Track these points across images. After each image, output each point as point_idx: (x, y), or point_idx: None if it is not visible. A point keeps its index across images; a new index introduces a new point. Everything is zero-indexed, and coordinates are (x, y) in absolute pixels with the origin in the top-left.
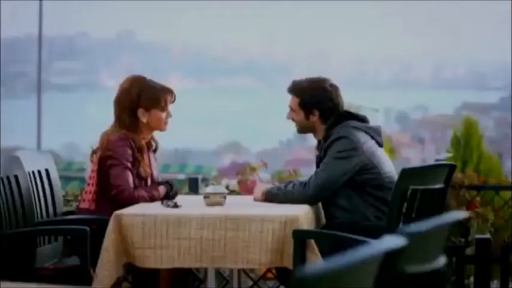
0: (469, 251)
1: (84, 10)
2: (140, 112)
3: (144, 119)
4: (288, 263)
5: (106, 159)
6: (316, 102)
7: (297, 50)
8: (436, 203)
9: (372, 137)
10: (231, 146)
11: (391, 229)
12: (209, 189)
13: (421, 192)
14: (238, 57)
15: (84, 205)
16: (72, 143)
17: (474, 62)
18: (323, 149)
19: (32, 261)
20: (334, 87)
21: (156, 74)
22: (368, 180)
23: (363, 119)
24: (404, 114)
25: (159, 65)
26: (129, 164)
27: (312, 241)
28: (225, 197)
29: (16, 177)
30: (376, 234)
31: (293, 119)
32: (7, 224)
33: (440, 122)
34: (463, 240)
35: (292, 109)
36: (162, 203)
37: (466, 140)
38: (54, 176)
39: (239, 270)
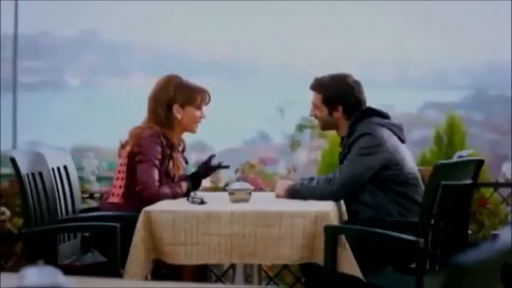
0: None
1: (46, 9)
2: (175, 108)
3: (179, 115)
4: (318, 258)
5: (135, 154)
6: (340, 98)
7: (263, 50)
8: (465, 199)
9: (395, 133)
10: (195, 144)
11: (424, 225)
12: (234, 185)
13: (452, 188)
14: (203, 56)
15: (113, 199)
16: (38, 142)
17: (438, 60)
18: (347, 146)
19: (56, 258)
20: (357, 83)
21: (120, 73)
22: (391, 177)
23: (385, 116)
24: None
25: (123, 64)
26: (157, 162)
27: (343, 237)
28: (250, 194)
29: (40, 174)
30: (402, 229)
31: (316, 116)
32: (33, 221)
33: (404, 120)
34: (480, 235)
35: (315, 106)
36: (188, 199)
37: (449, 138)
38: (73, 173)
39: (259, 266)
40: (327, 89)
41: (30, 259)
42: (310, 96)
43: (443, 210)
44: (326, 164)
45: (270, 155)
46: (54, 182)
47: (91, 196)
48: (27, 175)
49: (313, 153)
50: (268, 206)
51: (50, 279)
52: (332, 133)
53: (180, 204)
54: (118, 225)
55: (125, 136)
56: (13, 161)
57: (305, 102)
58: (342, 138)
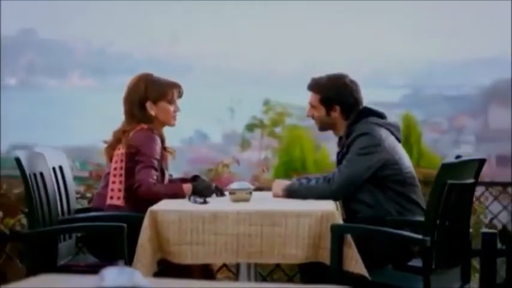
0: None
1: None
2: (148, 105)
3: (152, 112)
4: (324, 257)
5: (133, 155)
6: (337, 98)
7: (201, 48)
8: (467, 198)
9: (392, 133)
10: None
11: (431, 223)
12: (235, 185)
13: (457, 186)
14: (141, 54)
15: (113, 202)
16: None
17: (375, 60)
18: (345, 146)
19: (56, 258)
20: (354, 83)
21: (59, 73)
22: (389, 176)
23: (382, 115)
24: (304, 111)
25: (62, 63)
26: (155, 162)
27: (349, 236)
28: (251, 193)
29: (41, 174)
30: (401, 228)
31: (313, 117)
32: (37, 221)
33: None
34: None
35: (312, 106)
36: (189, 199)
37: (405, 137)
38: (68, 173)
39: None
40: (324, 89)
41: (32, 260)
42: (308, 96)
43: (448, 208)
44: (283, 163)
45: (208, 154)
46: (54, 182)
47: (83, 196)
48: (30, 175)
49: (263, 152)
50: (273, 206)
51: (129, 280)
52: (286, 133)
53: (186, 204)
54: (125, 225)
55: (99, 136)
56: (18, 161)
57: (249, 100)
58: (340, 138)
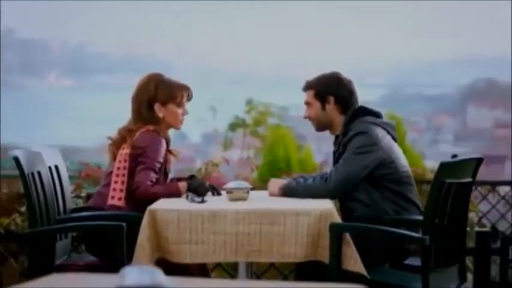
0: None
1: None
2: (157, 106)
3: (160, 114)
4: (323, 256)
5: (137, 156)
6: (331, 89)
7: (180, 48)
8: (465, 197)
9: (388, 132)
10: None
11: (429, 222)
12: (232, 184)
13: (456, 186)
14: (119, 54)
15: (114, 202)
16: None
17: (354, 59)
18: (342, 145)
19: (53, 257)
20: (348, 80)
21: (36, 72)
22: (386, 175)
23: (378, 115)
24: (284, 110)
25: (39, 62)
26: (157, 165)
27: (347, 234)
28: (248, 192)
29: (39, 173)
30: (398, 227)
31: (310, 117)
32: (36, 220)
33: None
34: None
35: (308, 104)
36: (187, 198)
37: None
38: (64, 172)
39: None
40: (318, 83)
41: (32, 259)
42: (303, 97)
43: (446, 207)
44: (268, 163)
45: (187, 153)
46: (50, 181)
47: (78, 196)
48: (28, 174)
49: (245, 152)
50: (272, 205)
51: (150, 279)
52: (269, 133)
53: (185, 204)
54: (124, 224)
55: (103, 133)
56: (17, 160)
57: (232, 100)
58: (336, 137)
